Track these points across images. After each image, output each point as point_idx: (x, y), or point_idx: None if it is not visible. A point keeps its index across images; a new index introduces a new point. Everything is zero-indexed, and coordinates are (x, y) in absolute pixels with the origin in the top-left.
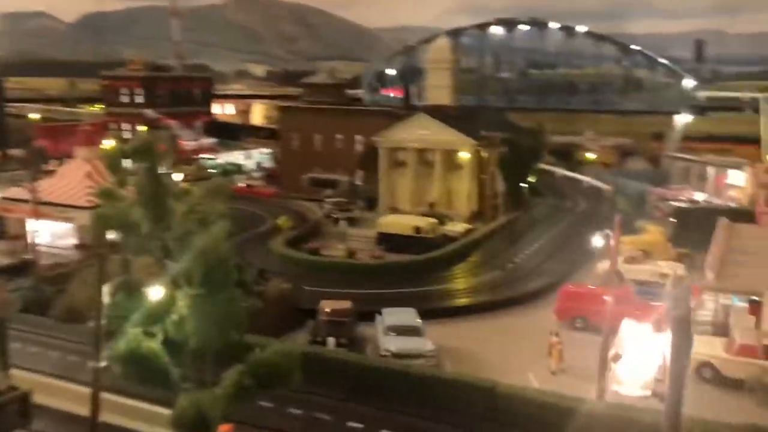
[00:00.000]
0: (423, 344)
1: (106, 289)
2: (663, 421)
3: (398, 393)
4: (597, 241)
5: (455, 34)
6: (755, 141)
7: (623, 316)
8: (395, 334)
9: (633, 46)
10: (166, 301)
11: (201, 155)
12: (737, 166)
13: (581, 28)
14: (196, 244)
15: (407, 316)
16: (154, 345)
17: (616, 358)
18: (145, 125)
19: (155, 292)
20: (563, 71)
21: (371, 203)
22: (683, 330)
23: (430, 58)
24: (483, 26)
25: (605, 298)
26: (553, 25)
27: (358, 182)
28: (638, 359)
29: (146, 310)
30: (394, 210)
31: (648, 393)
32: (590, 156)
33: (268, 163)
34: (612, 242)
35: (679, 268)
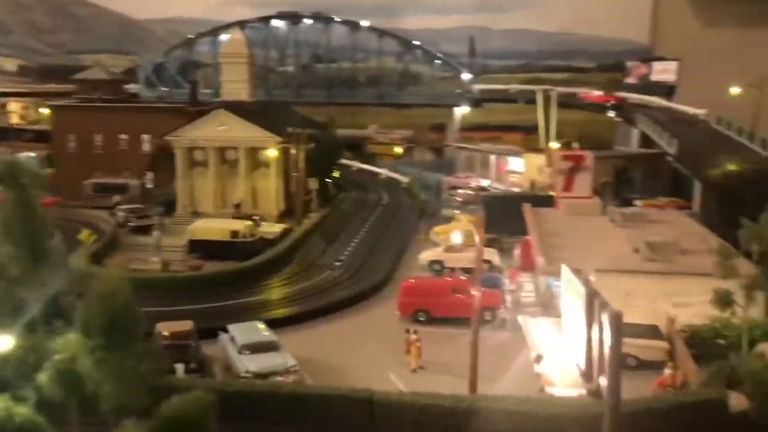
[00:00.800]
0: (285, 359)
1: None
2: (605, 412)
3: (269, 415)
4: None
5: (239, 26)
6: (520, 129)
7: (466, 305)
8: (250, 352)
9: (415, 42)
10: (33, 354)
11: None
12: (515, 154)
13: (364, 23)
14: (95, 289)
15: (257, 330)
16: (27, 411)
17: (539, 359)
18: None
19: (2, 342)
20: (347, 65)
21: (168, 208)
22: (618, 327)
23: (225, 51)
24: (265, 19)
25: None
26: (336, 19)
27: (149, 185)
28: (559, 357)
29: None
30: (195, 214)
31: (582, 391)
32: (386, 148)
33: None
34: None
35: (493, 253)
